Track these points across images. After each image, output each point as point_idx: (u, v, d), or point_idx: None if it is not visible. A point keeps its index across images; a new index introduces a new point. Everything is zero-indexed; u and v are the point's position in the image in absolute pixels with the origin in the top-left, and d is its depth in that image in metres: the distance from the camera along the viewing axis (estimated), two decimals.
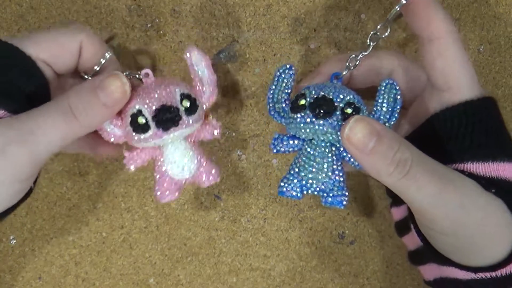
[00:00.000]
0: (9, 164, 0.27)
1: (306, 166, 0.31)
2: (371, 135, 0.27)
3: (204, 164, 0.33)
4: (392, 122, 0.30)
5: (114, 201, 0.39)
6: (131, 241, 0.40)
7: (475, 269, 0.28)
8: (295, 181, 0.31)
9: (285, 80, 0.32)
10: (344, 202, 0.31)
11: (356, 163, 0.30)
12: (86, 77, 0.32)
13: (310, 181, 0.31)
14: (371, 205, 0.40)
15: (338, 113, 0.29)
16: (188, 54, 0.32)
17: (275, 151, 0.32)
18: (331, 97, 0.29)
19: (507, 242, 0.28)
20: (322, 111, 0.29)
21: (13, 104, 0.28)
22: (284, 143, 0.31)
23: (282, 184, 0.31)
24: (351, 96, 0.30)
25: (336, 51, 0.38)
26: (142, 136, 0.30)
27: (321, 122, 0.29)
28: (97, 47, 0.31)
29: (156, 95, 0.30)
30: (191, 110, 0.30)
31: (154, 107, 0.29)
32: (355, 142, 0.27)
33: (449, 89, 0.29)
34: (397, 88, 0.30)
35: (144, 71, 0.31)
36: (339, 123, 0.29)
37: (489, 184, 0.28)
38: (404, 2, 0.28)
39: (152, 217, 0.40)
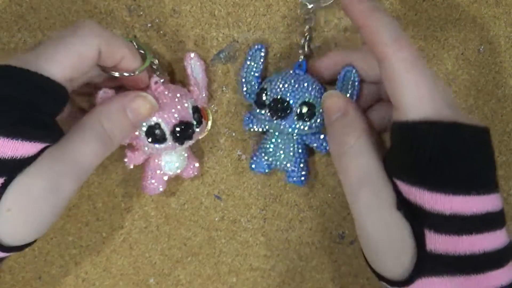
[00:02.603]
0: (61, 198, 0.27)
1: (271, 150, 0.36)
2: (339, 108, 0.32)
3: (189, 160, 0.37)
4: None
5: (114, 201, 0.39)
6: (131, 241, 0.40)
7: (390, 282, 0.29)
8: (263, 159, 0.37)
9: (256, 61, 0.36)
10: (304, 182, 0.36)
11: (320, 147, 0.36)
12: (114, 74, 0.32)
13: (276, 162, 0.36)
14: None
15: (294, 112, 0.34)
16: (187, 59, 0.35)
17: (247, 129, 0.37)
18: (288, 98, 0.33)
19: (407, 260, 0.28)
20: (278, 114, 0.34)
21: (52, 135, 0.28)
22: (255, 122, 0.36)
23: (252, 162, 0.37)
24: (308, 95, 0.34)
25: None
26: (158, 145, 0.33)
27: (279, 121, 0.34)
28: (115, 47, 0.30)
29: (174, 110, 0.33)
30: (199, 122, 0.34)
31: (173, 122, 0.33)
32: (326, 108, 0.32)
33: (396, 109, 0.29)
34: (355, 74, 0.34)
35: (153, 79, 0.33)
36: (295, 122, 0.34)
37: (402, 203, 0.29)
38: None
39: (152, 217, 0.40)
